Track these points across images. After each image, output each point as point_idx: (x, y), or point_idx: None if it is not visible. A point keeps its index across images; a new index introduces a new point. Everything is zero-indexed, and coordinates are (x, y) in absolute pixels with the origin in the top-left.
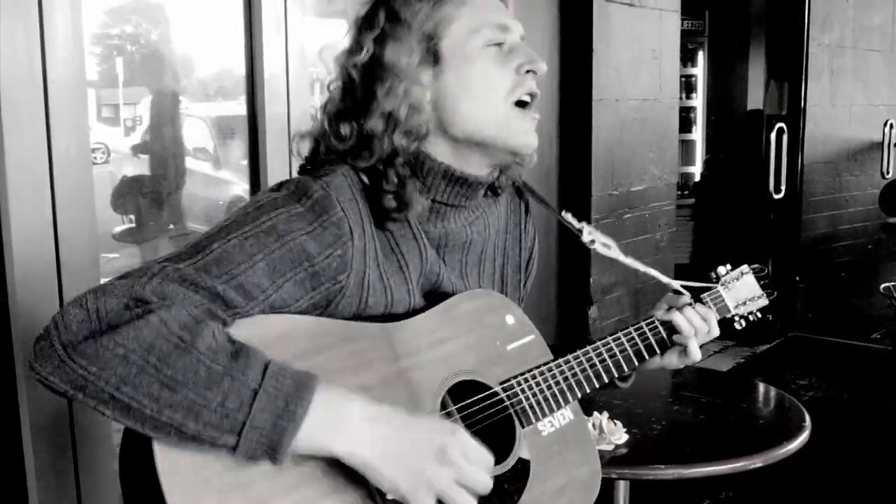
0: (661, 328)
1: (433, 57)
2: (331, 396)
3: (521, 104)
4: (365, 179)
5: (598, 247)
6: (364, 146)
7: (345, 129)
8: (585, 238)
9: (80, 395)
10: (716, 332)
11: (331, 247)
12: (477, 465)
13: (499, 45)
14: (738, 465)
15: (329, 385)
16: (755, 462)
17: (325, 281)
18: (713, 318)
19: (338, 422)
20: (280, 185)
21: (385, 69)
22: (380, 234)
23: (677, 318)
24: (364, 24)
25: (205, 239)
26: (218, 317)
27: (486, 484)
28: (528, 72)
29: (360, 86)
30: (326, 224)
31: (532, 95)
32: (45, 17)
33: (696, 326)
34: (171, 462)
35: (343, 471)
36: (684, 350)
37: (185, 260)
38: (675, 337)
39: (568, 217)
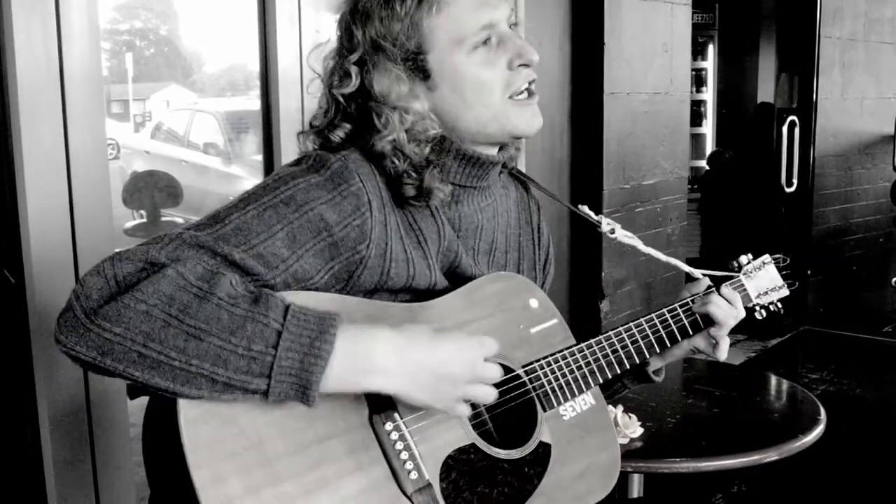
0: (682, 316)
1: (422, 72)
2: (355, 331)
3: (514, 99)
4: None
5: (619, 236)
6: (378, 161)
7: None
8: (605, 228)
9: (107, 359)
10: (742, 313)
11: (350, 216)
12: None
13: (486, 44)
14: (753, 458)
15: (353, 323)
16: (770, 455)
17: (343, 251)
18: (738, 300)
19: (365, 356)
20: (299, 160)
21: (377, 102)
22: (398, 209)
23: (713, 308)
24: (345, 45)
25: (223, 210)
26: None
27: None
28: (520, 65)
29: (352, 113)
30: (345, 194)
31: (529, 86)
32: (61, 12)
33: (727, 312)
34: (195, 437)
35: (365, 449)
36: (714, 342)
37: (203, 230)
38: (711, 330)
39: (585, 209)
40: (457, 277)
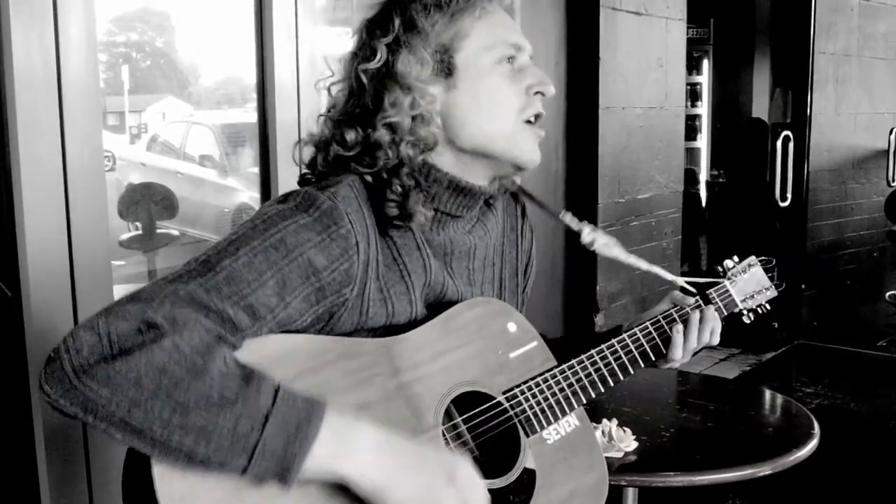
0: (667, 329)
1: (446, 68)
2: (340, 421)
3: (527, 122)
4: (370, 179)
5: (597, 247)
6: (370, 155)
7: (350, 136)
8: (585, 239)
9: (90, 417)
10: (716, 340)
11: (337, 260)
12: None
13: (510, 62)
14: (747, 472)
15: (338, 410)
16: (764, 469)
17: (329, 294)
18: (717, 326)
19: (347, 446)
20: (286, 197)
21: (395, 79)
22: (383, 244)
23: (675, 336)
24: (378, 29)
25: (214, 255)
26: (227, 341)
27: None
28: (536, 93)
29: (369, 93)
30: (334, 236)
31: (537, 116)
32: (59, 24)
33: (693, 342)
34: (170, 489)
35: (345, 500)
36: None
37: (194, 278)
38: (669, 353)
39: (567, 218)
40: (442, 307)
